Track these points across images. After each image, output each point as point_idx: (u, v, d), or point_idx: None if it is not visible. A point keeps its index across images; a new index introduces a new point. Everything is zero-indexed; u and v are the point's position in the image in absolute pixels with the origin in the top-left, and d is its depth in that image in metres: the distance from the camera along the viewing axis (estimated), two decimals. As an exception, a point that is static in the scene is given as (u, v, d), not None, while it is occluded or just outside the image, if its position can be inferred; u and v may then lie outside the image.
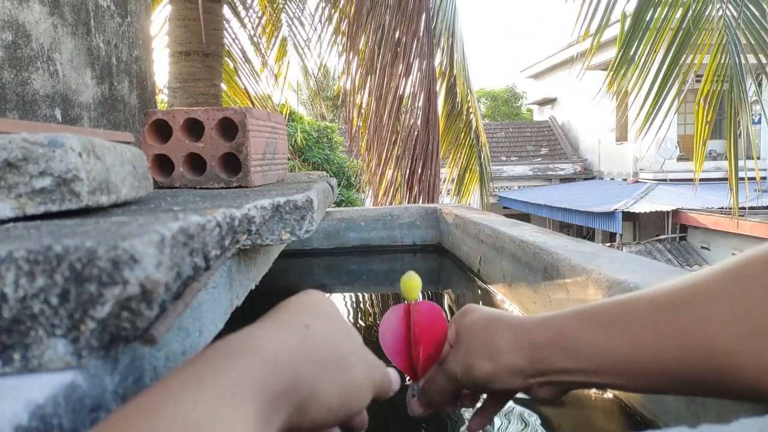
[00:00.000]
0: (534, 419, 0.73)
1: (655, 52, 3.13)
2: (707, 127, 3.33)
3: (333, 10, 3.80)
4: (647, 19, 3.07)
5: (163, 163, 0.91)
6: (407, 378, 0.53)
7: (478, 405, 0.53)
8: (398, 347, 0.52)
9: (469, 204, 4.85)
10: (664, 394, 0.48)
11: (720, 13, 3.01)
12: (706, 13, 3.03)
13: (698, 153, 3.50)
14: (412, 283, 0.52)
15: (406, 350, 0.52)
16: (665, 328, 0.39)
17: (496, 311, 0.50)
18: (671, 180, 11.42)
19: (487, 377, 0.46)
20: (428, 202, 3.20)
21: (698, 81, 3.37)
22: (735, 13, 2.98)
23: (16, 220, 0.42)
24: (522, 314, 0.50)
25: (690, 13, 3.01)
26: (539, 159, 14.73)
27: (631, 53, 3.15)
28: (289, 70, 4.70)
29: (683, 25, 3.04)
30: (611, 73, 3.26)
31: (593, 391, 0.76)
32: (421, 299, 0.53)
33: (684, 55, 3.10)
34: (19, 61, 1.06)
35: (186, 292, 0.36)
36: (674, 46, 3.11)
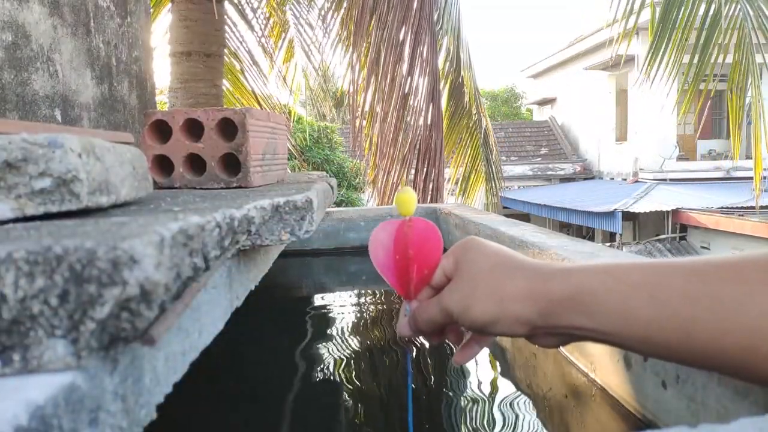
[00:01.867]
0: (531, 418, 0.73)
1: (684, 46, 3.13)
2: (740, 111, 3.32)
3: (336, 13, 3.80)
4: (673, 17, 3.06)
5: (162, 164, 0.91)
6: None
7: (464, 340, 0.51)
8: (391, 264, 0.50)
9: (473, 205, 4.85)
10: (682, 364, 0.45)
11: (738, 7, 3.01)
12: (723, 12, 3.03)
13: (735, 138, 3.46)
14: (407, 197, 0.49)
15: (398, 268, 0.50)
16: (706, 300, 0.36)
17: (503, 250, 0.46)
18: (671, 180, 11.42)
19: (489, 321, 0.43)
20: (433, 202, 3.20)
21: (719, 81, 3.37)
22: (751, 12, 2.98)
23: (15, 220, 0.42)
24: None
25: (711, 11, 3.01)
26: (539, 159, 14.72)
27: (663, 45, 3.13)
28: (296, 71, 4.71)
29: (705, 24, 3.04)
30: (647, 60, 3.22)
31: (593, 391, 0.76)
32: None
33: (707, 52, 3.09)
34: (18, 62, 1.06)
35: (185, 292, 0.36)
36: (700, 41, 3.10)
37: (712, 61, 3.12)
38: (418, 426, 0.74)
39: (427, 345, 1.03)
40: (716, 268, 0.38)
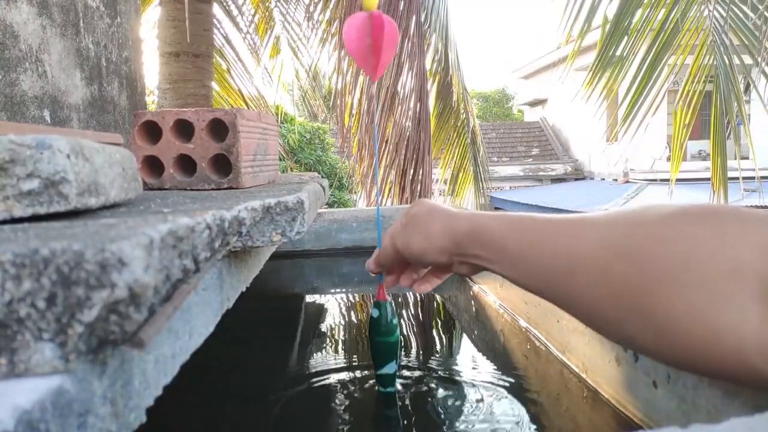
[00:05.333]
0: (523, 419, 0.73)
1: (634, 53, 3.15)
2: (685, 129, 3.35)
3: (324, 9, 3.79)
4: (628, 21, 3.08)
5: (153, 165, 0.90)
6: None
7: (419, 277, 0.68)
8: (360, 50, 0.64)
9: (461, 205, 4.85)
10: (539, 295, 0.54)
11: (706, 13, 3.03)
12: (690, 14, 3.04)
13: (675, 154, 3.51)
14: None
15: (365, 52, 0.64)
16: (543, 232, 0.49)
17: (437, 204, 0.61)
18: (661, 180, 11.46)
19: (421, 251, 0.59)
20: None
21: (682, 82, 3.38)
22: (724, 14, 2.99)
23: (3, 222, 0.41)
24: (456, 209, 0.62)
25: (673, 14, 3.02)
26: (530, 159, 14.76)
27: (610, 54, 3.16)
28: (282, 70, 4.68)
29: (665, 26, 3.05)
30: (590, 73, 3.27)
31: (584, 391, 0.76)
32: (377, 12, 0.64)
33: (665, 56, 3.11)
34: (7, 62, 1.05)
35: (175, 294, 0.36)
36: (655, 46, 3.12)
37: (670, 62, 3.14)
38: (407, 424, 0.74)
39: (409, 349, 1.03)
40: (563, 217, 0.49)
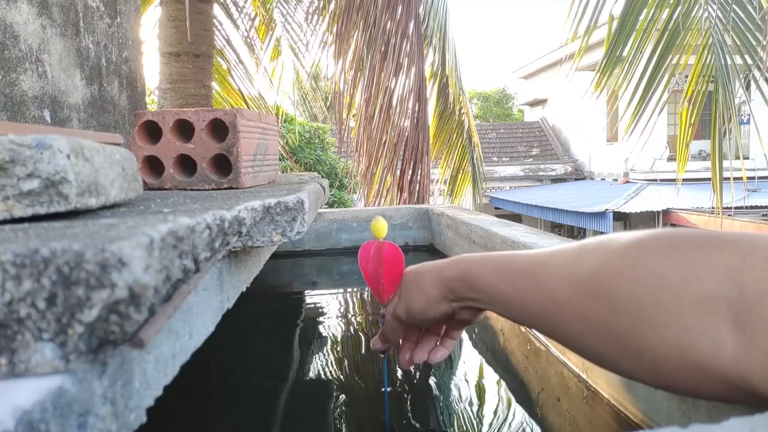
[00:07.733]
0: (523, 419, 0.73)
1: (641, 53, 3.15)
2: (690, 129, 3.36)
3: (323, 12, 3.79)
4: (634, 20, 3.09)
5: (153, 165, 0.90)
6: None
7: (430, 347, 0.66)
8: (370, 275, 0.69)
9: (461, 204, 4.85)
10: (528, 327, 0.56)
11: (706, 14, 3.03)
12: (692, 14, 3.05)
13: (681, 154, 3.52)
14: (380, 226, 0.69)
15: (375, 277, 0.69)
16: (528, 278, 0.50)
17: (423, 263, 0.62)
18: (661, 180, 11.46)
19: (422, 307, 0.59)
20: (418, 203, 3.20)
21: (686, 82, 3.39)
22: (721, 15, 3.00)
23: (3, 222, 0.41)
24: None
25: (676, 14, 3.03)
26: (530, 159, 14.76)
27: (618, 54, 3.17)
28: (283, 70, 4.68)
29: (669, 26, 3.06)
30: (598, 73, 3.28)
31: (584, 392, 0.76)
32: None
33: (670, 56, 3.12)
34: (7, 62, 1.05)
35: (175, 294, 0.36)
36: (660, 46, 3.13)
37: (674, 62, 3.15)
38: (409, 425, 0.74)
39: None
40: (537, 256, 0.51)
